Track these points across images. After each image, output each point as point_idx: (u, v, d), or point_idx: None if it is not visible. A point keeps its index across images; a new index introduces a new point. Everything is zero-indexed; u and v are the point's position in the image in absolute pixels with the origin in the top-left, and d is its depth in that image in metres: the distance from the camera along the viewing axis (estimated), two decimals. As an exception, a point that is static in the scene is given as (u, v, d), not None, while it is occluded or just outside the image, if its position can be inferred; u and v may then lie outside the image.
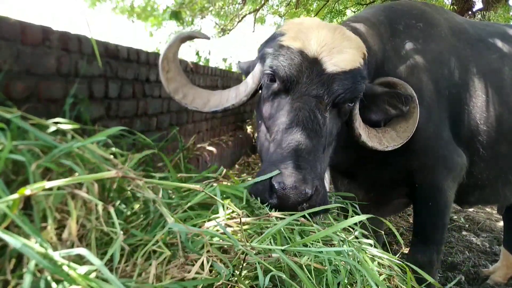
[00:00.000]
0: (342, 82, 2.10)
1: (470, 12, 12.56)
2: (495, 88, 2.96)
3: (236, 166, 5.75)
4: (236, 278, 1.22)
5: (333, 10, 14.45)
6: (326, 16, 13.94)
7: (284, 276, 1.26)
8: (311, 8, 13.99)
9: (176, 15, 10.05)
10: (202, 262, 1.14)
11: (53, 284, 0.90)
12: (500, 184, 3.26)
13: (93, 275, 0.92)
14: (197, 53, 7.85)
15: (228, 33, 11.75)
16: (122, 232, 1.04)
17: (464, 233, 5.72)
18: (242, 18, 12.27)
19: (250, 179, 2.73)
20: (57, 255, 0.88)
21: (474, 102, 2.88)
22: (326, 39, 2.16)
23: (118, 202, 1.31)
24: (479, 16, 12.14)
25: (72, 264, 0.89)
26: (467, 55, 2.95)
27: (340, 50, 2.14)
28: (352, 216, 2.26)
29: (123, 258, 1.04)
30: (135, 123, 3.38)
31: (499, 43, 3.15)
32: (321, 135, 2.05)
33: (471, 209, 6.74)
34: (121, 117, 3.18)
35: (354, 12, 15.27)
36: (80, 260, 0.97)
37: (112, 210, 1.08)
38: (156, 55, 3.80)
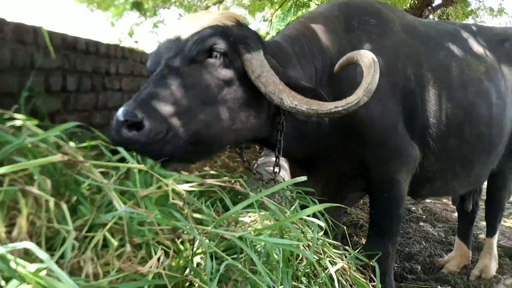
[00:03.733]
0: (193, 38, 2.09)
1: (430, 8, 12.79)
2: (444, 84, 3.07)
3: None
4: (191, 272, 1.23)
5: (297, 2, 14.50)
6: (290, 8, 13.97)
7: (240, 266, 1.28)
8: (275, 0, 14.00)
9: (137, 6, 9.87)
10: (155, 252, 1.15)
11: (2, 282, 0.89)
12: (449, 177, 3.39)
13: (43, 273, 0.91)
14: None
15: (192, 25, 11.61)
16: (73, 229, 1.03)
17: (421, 223, 5.90)
18: (206, 9, 12.16)
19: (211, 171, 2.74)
20: (3, 250, 0.87)
21: (425, 97, 2.97)
22: (191, 20, 2.17)
23: (74, 198, 1.30)
24: (439, 11, 12.40)
25: (20, 261, 0.88)
26: (419, 51, 3.04)
27: (199, 21, 2.14)
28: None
29: (74, 255, 1.04)
30: (94, 117, 3.34)
31: (448, 41, 3.27)
32: (169, 86, 2.01)
33: (428, 200, 6.95)
34: (79, 111, 3.14)
35: (318, 4, 15.36)
36: (29, 258, 0.96)
37: (64, 206, 1.08)
38: (116, 47, 3.76)
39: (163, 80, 2.02)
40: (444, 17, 13.22)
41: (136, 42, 7.58)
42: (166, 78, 2.03)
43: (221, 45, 2.09)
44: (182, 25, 2.19)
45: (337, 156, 2.80)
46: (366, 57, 2.12)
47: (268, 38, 11.85)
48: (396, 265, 4.23)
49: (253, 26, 13.89)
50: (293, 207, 2.00)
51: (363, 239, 4.95)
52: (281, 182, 2.58)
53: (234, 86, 2.16)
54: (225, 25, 2.13)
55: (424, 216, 6.21)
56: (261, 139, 2.53)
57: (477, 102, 3.24)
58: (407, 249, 4.75)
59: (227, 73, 2.13)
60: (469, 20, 14.23)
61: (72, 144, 1.60)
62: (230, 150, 5.05)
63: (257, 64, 2.15)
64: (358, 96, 2.06)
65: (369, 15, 2.97)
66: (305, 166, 2.96)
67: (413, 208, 6.46)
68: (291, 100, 2.12)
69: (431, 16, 12.05)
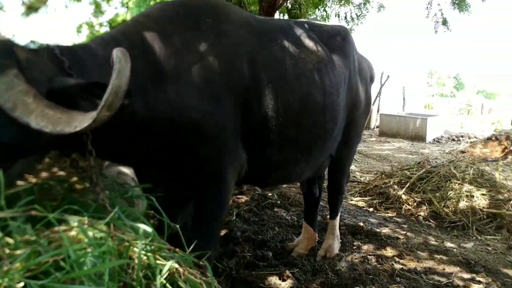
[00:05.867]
0: None
1: (281, -5, 13.23)
2: (280, 78, 3.24)
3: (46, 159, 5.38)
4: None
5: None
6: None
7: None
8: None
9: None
10: None
11: None
12: (291, 164, 3.63)
13: None
14: (-1, 35, 7.07)
15: (37, 11, 10.73)
16: None
17: (276, 209, 6.17)
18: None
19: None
20: None
21: (263, 92, 3.10)
22: None
23: None
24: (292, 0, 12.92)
25: None
26: (255, 47, 3.15)
27: None
28: (148, 209, 2.31)
29: None
30: None
31: (280, 36, 3.43)
32: None
33: (284, 186, 7.28)
34: None
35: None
36: None
37: None
38: None
39: None
40: (297, 6, 13.84)
41: (-30, 31, 6.81)
42: None
43: None
44: None
45: (168, 159, 2.78)
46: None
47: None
48: (249, 254, 4.39)
49: (109, 13, 13.35)
50: (113, 213, 1.97)
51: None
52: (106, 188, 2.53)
53: None
54: None
55: (279, 202, 6.50)
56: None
57: (312, 92, 3.47)
58: (260, 236, 4.94)
59: None
60: (319, 10, 15.01)
61: None
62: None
63: (3, 88, 1.98)
64: (93, 116, 1.87)
65: (205, 14, 2.99)
66: (143, 172, 2.90)
67: (269, 194, 6.74)
68: (39, 121, 1.92)
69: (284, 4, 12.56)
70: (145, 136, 2.57)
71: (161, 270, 1.85)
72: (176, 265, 1.99)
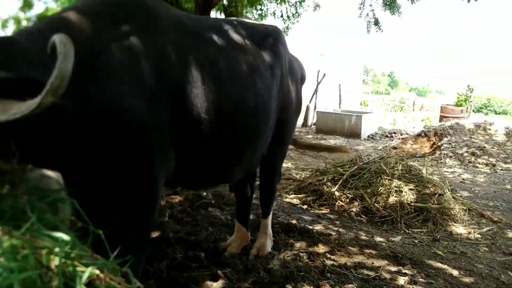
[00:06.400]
0: None
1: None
2: (213, 79, 3.17)
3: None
4: None
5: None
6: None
7: None
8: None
9: None
10: None
11: None
12: (224, 166, 3.62)
13: None
14: None
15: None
16: None
17: (210, 209, 6.13)
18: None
19: None
20: None
21: (195, 93, 3.02)
22: None
23: None
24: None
25: None
26: (188, 47, 3.08)
27: None
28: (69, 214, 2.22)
29: None
30: None
31: (214, 36, 3.39)
32: None
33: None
34: None
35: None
36: None
37: None
38: None
39: None
40: (233, 4, 13.85)
41: None
42: None
43: None
44: None
45: (98, 160, 2.59)
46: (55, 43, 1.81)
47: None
48: (181, 255, 4.34)
49: (39, 7, 12.87)
50: (31, 220, 1.90)
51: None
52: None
53: None
54: None
55: (213, 201, 6.47)
56: None
57: (245, 95, 3.46)
58: (193, 237, 4.89)
59: None
60: (256, 8, 15.09)
61: None
62: None
63: None
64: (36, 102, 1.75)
65: (137, 10, 2.89)
66: (71, 174, 2.76)
67: (204, 194, 6.70)
68: None
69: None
70: (73, 135, 2.46)
71: (80, 278, 1.79)
72: (97, 272, 1.93)
